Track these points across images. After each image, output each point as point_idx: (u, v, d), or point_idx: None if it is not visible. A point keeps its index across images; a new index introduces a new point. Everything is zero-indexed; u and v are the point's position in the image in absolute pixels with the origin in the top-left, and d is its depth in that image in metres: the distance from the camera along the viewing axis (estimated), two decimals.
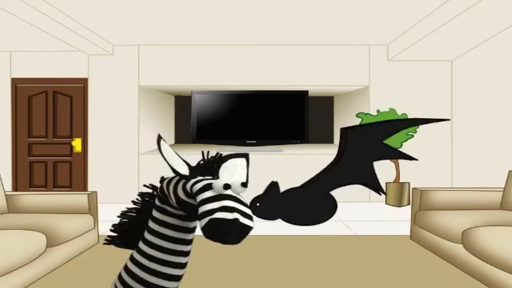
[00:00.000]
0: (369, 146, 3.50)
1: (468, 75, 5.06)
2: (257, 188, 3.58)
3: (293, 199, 3.66)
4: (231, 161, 1.22)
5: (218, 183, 1.12)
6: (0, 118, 5.43)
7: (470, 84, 5.02)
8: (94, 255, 2.83)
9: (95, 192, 3.15)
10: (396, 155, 3.92)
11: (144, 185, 1.49)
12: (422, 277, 2.40)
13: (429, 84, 5.34)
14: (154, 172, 2.47)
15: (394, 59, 5.26)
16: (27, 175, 5.46)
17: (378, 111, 5.12)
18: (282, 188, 3.81)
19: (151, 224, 1.37)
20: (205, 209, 1.07)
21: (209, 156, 1.33)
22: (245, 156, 1.26)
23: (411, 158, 3.67)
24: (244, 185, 1.15)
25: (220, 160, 1.25)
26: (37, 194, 3.09)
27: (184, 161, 1.27)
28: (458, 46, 4.71)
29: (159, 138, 1.26)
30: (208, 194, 1.11)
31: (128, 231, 1.49)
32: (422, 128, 4.89)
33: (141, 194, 1.50)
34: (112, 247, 1.52)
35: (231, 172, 1.19)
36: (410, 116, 4.93)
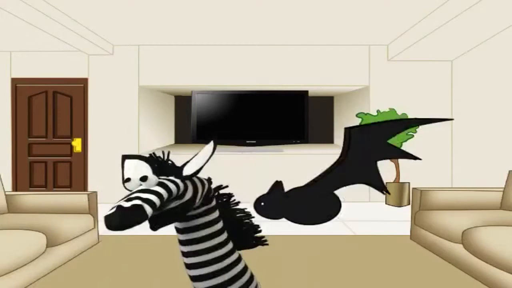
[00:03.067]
0: (373, 146, 3.47)
1: (468, 75, 5.06)
2: (257, 188, 3.57)
3: (298, 199, 3.63)
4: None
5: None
6: (0, 118, 5.44)
7: (470, 84, 5.02)
8: (94, 255, 2.82)
9: (95, 192, 3.16)
10: (399, 154, 3.90)
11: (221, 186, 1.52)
12: (422, 277, 2.39)
13: (429, 84, 5.34)
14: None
15: (394, 59, 5.26)
16: (27, 175, 5.46)
17: (378, 111, 5.11)
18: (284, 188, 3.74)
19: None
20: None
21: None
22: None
23: (414, 158, 3.66)
24: (143, 179, 1.13)
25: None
26: (37, 194, 3.09)
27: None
28: (458, 46, 4.71)
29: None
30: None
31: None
32: (422, 128, 4.89)
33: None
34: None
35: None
36: (410, 116, 4.94)
